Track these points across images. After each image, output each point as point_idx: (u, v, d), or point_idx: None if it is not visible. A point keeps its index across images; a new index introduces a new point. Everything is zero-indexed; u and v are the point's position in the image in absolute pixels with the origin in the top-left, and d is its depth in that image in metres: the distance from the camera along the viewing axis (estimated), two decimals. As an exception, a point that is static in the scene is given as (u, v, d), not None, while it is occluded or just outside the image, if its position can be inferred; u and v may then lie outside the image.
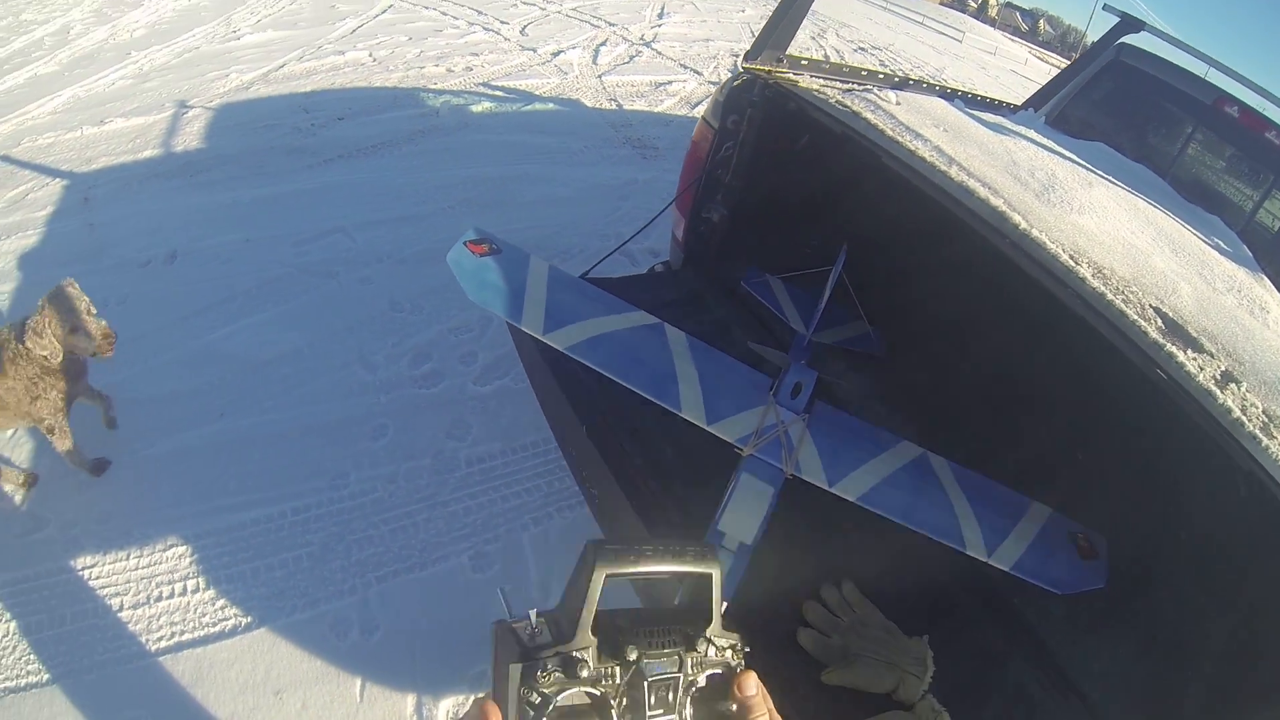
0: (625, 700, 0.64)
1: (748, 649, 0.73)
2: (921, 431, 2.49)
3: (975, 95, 3.83)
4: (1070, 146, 3.18)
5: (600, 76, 7.18)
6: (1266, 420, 1.66)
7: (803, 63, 2.68)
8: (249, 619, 2.30)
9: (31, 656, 2.20)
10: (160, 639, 2.25)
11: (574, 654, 0.61)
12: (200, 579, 2.39)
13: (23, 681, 2.15)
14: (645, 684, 0.64)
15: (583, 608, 0.62)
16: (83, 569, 2.40)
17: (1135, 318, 1.74)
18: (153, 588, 2.36)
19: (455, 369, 3.16)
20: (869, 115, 2.31)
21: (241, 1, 8.27)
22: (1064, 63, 4.39)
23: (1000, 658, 2.01)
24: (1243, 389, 1.71)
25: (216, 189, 4.41)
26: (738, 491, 1.80)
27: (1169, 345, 1.70)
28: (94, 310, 2.28)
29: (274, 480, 2.61)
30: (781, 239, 3.17)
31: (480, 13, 8.53)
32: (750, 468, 1.84)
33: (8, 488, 2.52)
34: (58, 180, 4.54)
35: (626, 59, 7.94)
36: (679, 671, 0.66)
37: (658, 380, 1.94)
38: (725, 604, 0.72)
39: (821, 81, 2.65)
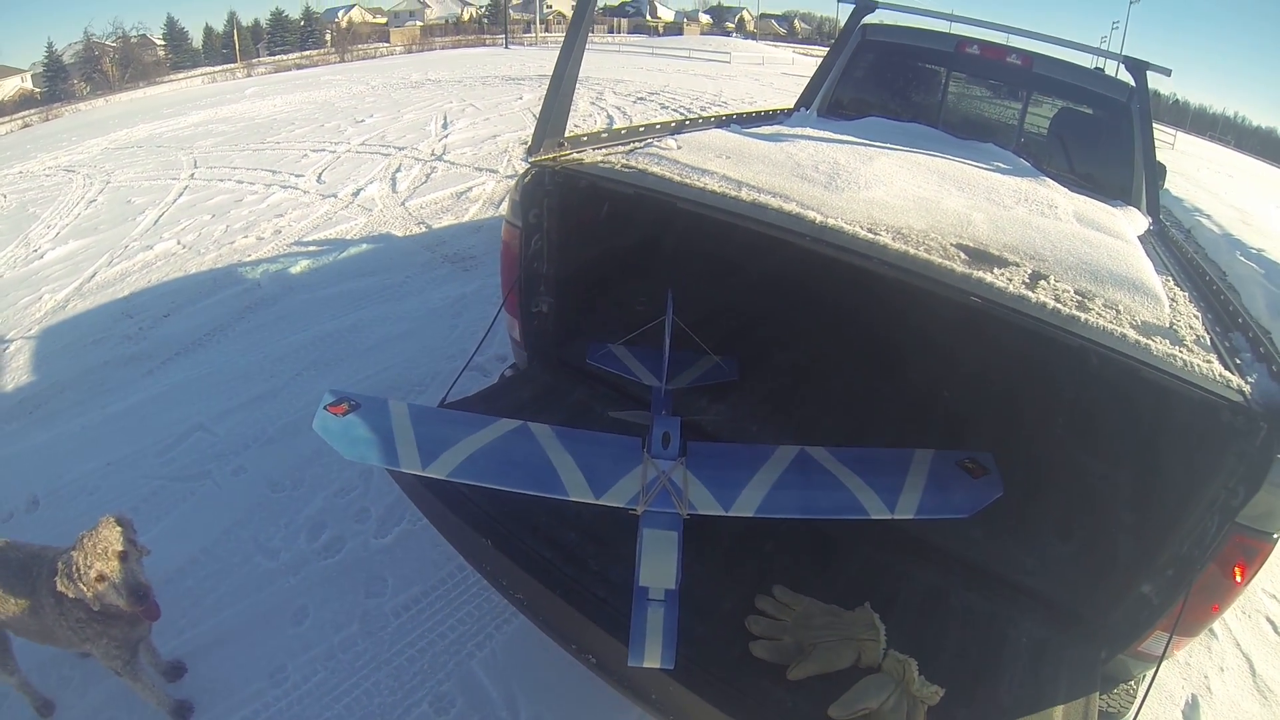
0: None
1: None
2: (798, 432, 2.60)
3: (749, 113, 4.13)
4: (846, 129, 3.42)
5: (403, 203, 7.27)
6: (1080, 298, 1.87)
7: (583, 139, 2.76)
8: None
9: None
10: None
11: None
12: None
13: None
14: None
15: None
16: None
17: (940, 261, 1.89)
18: None
19: (353, 529, 3.14)
20: (654, 168, 2.43)
21: (35, 218, 7.88)
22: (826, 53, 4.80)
23: (941, 592, 2.11)
24: (1052, 281, 1.92)
25: (61, 420, 4.19)
26: (645, 547, 1.83)
27: (976, 272, 1.85)
28: (143, 553, 2.10)
29: (213, 697, 2.48)
30: (614, 306, 3.24)
31: (274, 171, 8.46)
32: (649, 523, 1.88)
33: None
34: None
35: (424, 178, 8.07)
36: None
37: (537, 475, 2.00)
38: None
39: (605, 150, 2.73)
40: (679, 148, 2.70)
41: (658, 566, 1.79)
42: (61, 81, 34.57)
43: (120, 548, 2.00)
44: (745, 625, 1.91)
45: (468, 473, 1.98)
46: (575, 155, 2.62)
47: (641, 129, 3.09)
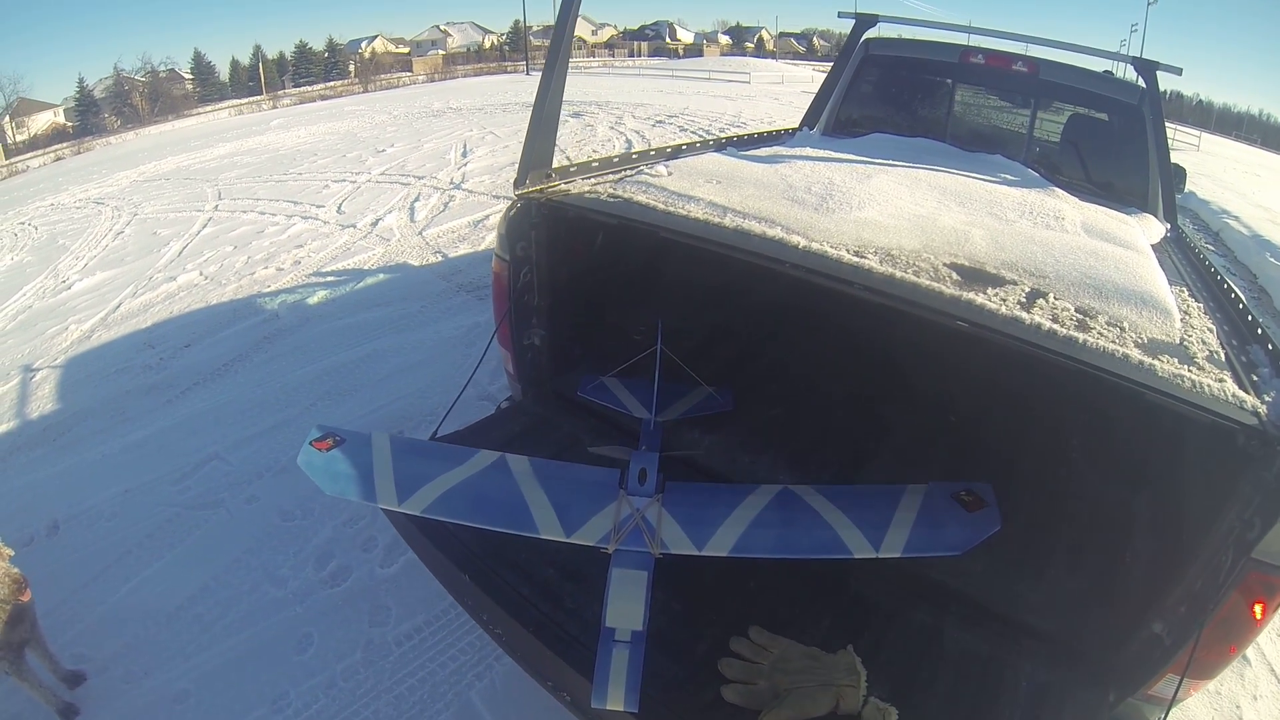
0: None
1: None
2: (793, 463, 2.50)
3: (750, 135, 4.08)
4: (847, 148, 3.33)
5: (421, 233, 7.39)
6: (1081, 317, 1.75)
7: (571, 169, 2.72)
8: None
9: None
10: None
11: None
12: None
13: None
14: None
15: None
16: None
17: (929, 283, 1.81)
18: None
19: (359, 559, 3.18)
20: (640, 197, 2.38)
21: (64, 249, 8.07)
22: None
23: (934, 632, 1.98)
24: (1051, 299, 1.82)
25: (83, 447, 4.31)
26: (613, 586, 1.77)
27: (966, 294, 1.75)
28: (7, 553, 2.18)
29: (215, 723, 2.52)
30: (608, 337, 3.15)
31: (295, 203, 8.62)
32: (620, 561, 1.82)
33: None
34: (-85, 483, 4.33)
35: (442, 207, 8.18)
36: None
37: (510, 513, 1.94)
38: None
39: (594, 179, 2.70)
40: (669, 174, 2.66)
41: (625, 607, 1.73)
42: (93, 115, 35.58)
43: None
44: (719, 668, 1.82)
45: (442, 510, 1.95)
46: (562, 186, 2.60)
47: (635, 155, 3.06)
